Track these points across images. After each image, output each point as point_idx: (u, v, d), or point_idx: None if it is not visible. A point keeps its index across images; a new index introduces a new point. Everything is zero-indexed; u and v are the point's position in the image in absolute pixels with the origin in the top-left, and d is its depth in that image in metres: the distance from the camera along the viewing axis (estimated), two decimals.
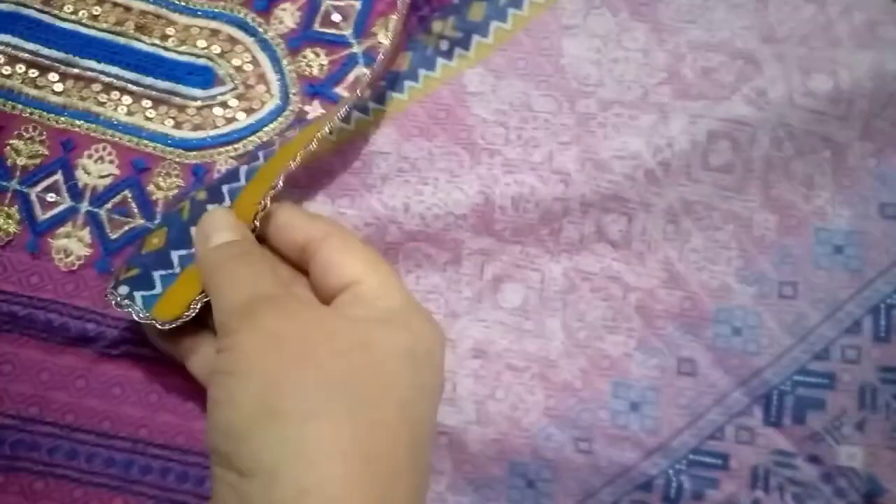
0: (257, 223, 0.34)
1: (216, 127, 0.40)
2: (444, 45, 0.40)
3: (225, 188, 0.36)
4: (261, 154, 0.37)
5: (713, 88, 0.38)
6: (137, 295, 0.34)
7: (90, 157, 0.39)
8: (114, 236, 0.39)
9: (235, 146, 0.39)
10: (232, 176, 0.36)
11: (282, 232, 0.33)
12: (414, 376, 0.29)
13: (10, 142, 0.39)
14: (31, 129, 0.39)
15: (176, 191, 0.39)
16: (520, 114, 0.38)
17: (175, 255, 0.35)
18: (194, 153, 0.39)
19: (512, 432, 0.37)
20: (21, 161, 0.39)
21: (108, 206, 0.39)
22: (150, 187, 0.39)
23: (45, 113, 0.39)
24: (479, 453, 0.37)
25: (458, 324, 0.38)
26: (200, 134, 0.40)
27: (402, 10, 0.38)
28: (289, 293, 0.31)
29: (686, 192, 0.38)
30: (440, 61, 0.39)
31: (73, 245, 0.39)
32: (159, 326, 0.33)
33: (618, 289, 0.37)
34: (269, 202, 0.33)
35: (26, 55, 0.39)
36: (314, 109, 0.40)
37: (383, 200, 0.38)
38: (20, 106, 0.39)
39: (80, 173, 0.39)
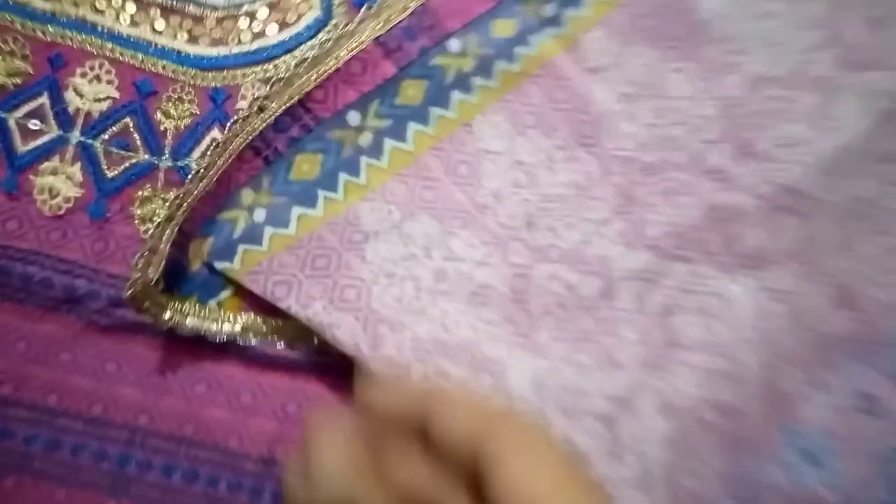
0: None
1: (240, 43, 0.32)
2: (548, 11, 0.32)
3: None
4: None
5: (884, 52, 0.31)
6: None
7: (83, 75, 0.32)
8: (111, 174, 0.32)
9: (264, 67, 0.32)
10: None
11: (443, 432, 0.26)
12: None
13: None
14: (10, 42, 0.32)
15: (188, 119, 0.32)
16: (651, 102, 0.31)
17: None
18: (212, 74, 0.32)
19: None
20: None
21: (105, 136, 0.32)
22: (158, 115, 0.32)
23: (28, 22, 0.32)
24: None
25: (623, 375, 0.30)
26: (221, 50, 0.32)
27: None
28: None
29: (858, 187, 0.30)
30: (548, 30, 0.32)
31: (60, 184, 0.31)
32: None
33: (805, 311, 0.30)
34: None
35: None
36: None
37: (500, 221, 0.30)
38: None
39: (70, 95, 0.32)
